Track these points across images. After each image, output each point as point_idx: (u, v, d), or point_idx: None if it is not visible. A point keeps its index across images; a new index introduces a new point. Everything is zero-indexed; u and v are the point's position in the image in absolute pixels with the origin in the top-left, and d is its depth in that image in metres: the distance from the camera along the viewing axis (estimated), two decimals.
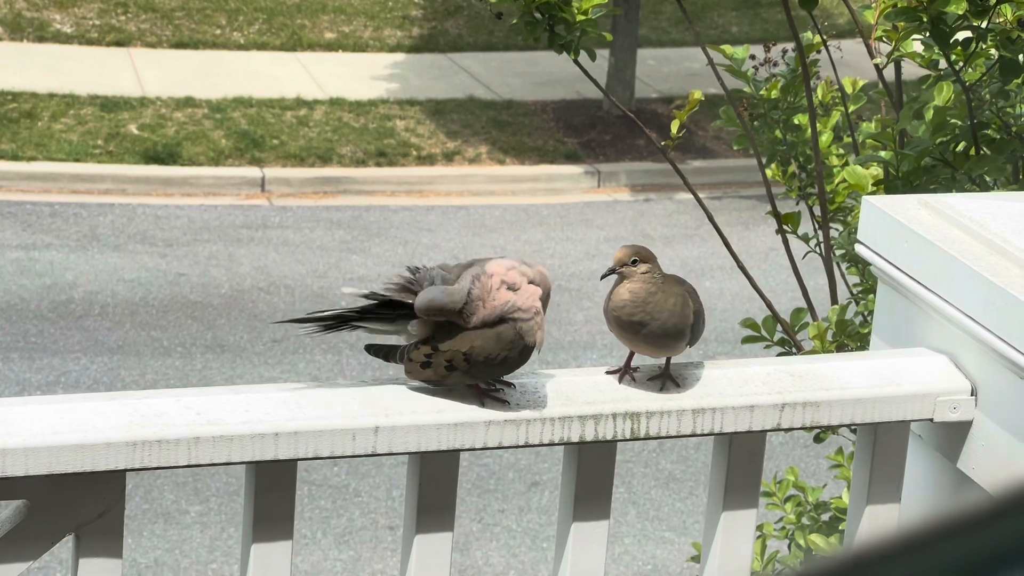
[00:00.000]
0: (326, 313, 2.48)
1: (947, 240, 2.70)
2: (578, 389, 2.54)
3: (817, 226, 4.20)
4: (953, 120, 3.78)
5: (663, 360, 2.59)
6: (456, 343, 2.43)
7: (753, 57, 4.31)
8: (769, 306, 4.11)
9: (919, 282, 2.71)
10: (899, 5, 3.49)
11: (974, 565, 1.06)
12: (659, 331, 2.52)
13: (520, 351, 2.45)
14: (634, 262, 2.53)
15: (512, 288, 2.45)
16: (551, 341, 10.03)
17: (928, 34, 3.55)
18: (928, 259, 2.69)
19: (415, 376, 2.46)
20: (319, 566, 8.07)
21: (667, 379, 2.57)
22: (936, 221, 2.76)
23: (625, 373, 2.58)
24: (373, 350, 2.53)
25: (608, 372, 2.60)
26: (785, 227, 4.14)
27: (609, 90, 14.36)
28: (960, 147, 3.79)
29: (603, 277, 2.55)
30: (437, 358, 2.44)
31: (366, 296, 2.46)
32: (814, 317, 4.12)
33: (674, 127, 4.00)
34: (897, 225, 2.75)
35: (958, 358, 2.66)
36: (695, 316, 2.56)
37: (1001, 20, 3.54)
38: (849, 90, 4.33)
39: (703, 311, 2.61)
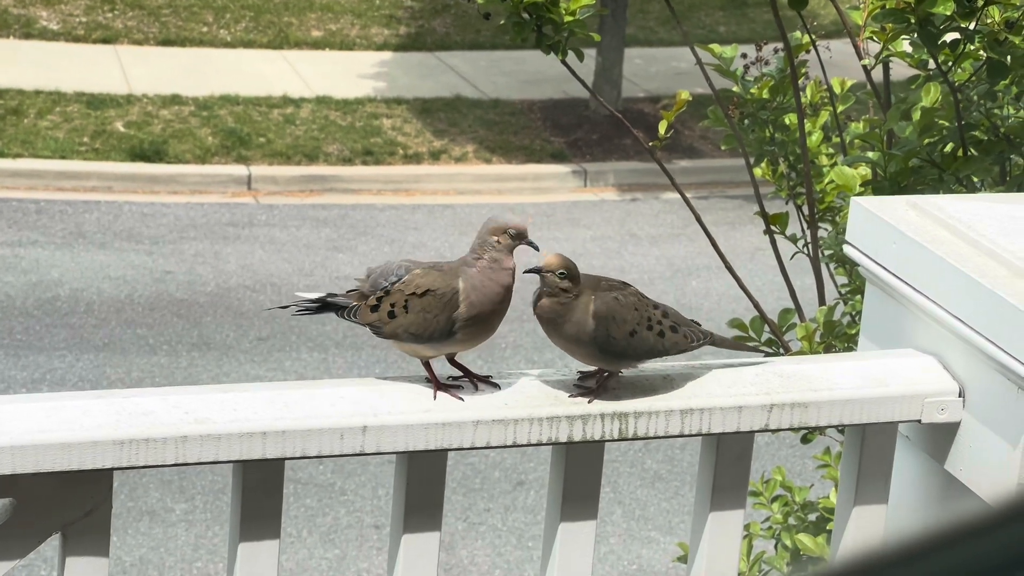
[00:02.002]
0: (311, 296, 2.61)
1: (935, 241, 2.69)
2: (566, 389, 2.54)
3: (806, 226, 4.19)
4: (941, 121, 3.78)
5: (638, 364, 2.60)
6: (404, 284, 2.52)
7: (744, 56, 4.31)
8: (756, 307, 4.11)
9: (907, 283, 2.71)
10: (887, 6, 3.49)
11: (974, 573, 1.05)
12: (560, 340, 2.54)
13: (450, 313, 2.48)
14: (562, 275, 2.52)
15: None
16: (538, 340, 10.02)
17: (916, 35, 3.55)
18: (916, 260, 2.69)
19: (364, 318, 2.55)
20: (304, 564, 8.06)
21: (589, 387, 2.56)
22: (924, 222, 2.76)
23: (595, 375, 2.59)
24: (333, 308, 2.60)
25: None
26: (773, 227, 4.13)
27: (597, 89, 14.35)
28: (948, 148, 3.79)
29: (526, 272, 2.54)
30: (384, 301, 2.53)
31: (320, 299, 2.59)
32: (802, 318, 4.12)
33: (662, 128, 4.00)
34: (885, 226, 2.75)
35: (946, 359, 2.66)
36: (597, 320, 2.51)
37: (989, 22, 3.54)
38: (838, 90, 4.33)
39: (617, 317, 2.52)
